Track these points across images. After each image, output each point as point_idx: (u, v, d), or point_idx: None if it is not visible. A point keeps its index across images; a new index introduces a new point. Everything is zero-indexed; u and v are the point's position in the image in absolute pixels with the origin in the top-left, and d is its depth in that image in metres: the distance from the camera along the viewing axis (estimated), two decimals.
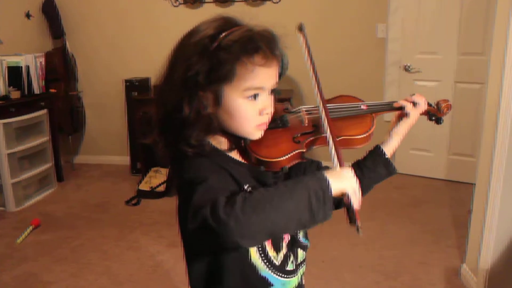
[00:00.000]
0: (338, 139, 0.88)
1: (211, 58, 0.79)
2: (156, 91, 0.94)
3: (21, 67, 3.56)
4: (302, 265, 1.01)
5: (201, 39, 0.81)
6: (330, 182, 0.75)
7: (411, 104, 1.02)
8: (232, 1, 3.97)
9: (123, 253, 2.75)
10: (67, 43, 4.29)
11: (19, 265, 2.62)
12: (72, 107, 4.29)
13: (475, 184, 2.26)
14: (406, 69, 3.75)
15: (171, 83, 0.84)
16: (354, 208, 0.76)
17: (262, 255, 0.90)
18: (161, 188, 3.58)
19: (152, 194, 3.57)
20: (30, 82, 3.63)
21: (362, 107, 0.99)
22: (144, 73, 4.12)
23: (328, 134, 0.87)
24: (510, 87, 1.93)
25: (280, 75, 0.89)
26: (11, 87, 3.49)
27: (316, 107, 0.94)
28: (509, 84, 1.93)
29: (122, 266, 2.59)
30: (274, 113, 0.90)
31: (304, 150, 0.90)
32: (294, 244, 0.96)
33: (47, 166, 3.77)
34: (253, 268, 0.90)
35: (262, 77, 0.83)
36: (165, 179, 3.60)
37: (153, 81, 4.13)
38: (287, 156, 0.87)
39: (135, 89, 4.04)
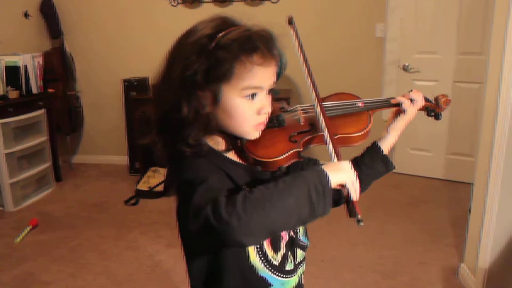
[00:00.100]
0: (335, 137, 0.88)
1: (209, 57, 0.79)
2: (154, 90, 0.93)
3: (19, 66, 3.54)
4: (302, 264, 1.00)
5: (199, 38, 0.81)
6: (328, 175, 0.75)
7: (409, 100, 1.02)
8: (231, 1, 3.96)
9: (122, 253, 2.75)
10: (65, 43, 4.29)
11: (18, 265, 2.62)
12: (70, 107, 4.29)
13: (473, 183, 2.26)
14: (405, 68, 3.74)
15: (169, 82, 0.83)
16: (353, 200, 0.76)
17: (261, 255, 0.90)
18: (160, 188, 3.58)
19: (151, 194, 3.57)
20: (28, 81, 3.62)
21: (359, 104, 0.99)
22: (143, 72, 4.12)
23: (325, 132, 0.86)
24: (508, 87, 1.93)
25: (279, 74, 0.89)
26: (9, 86, 3.48)
27: (312, 105, 0.94)
28: (507, 84, 1.93)
29: (121, 266, 2.59)
30: (270, 113, 0.89)
31: (301, 149, 0.89)
32: (293, 244, 0.96)
33: (45, 166, 3.76)
34: (252, 268, 0.90)
35: (261, 76, 0.83)
36: (163, 179, 3.60)
37: (151, 81, 4.13)
38: (284, 156, 0.86)
39: (134, 88, 4.03)
